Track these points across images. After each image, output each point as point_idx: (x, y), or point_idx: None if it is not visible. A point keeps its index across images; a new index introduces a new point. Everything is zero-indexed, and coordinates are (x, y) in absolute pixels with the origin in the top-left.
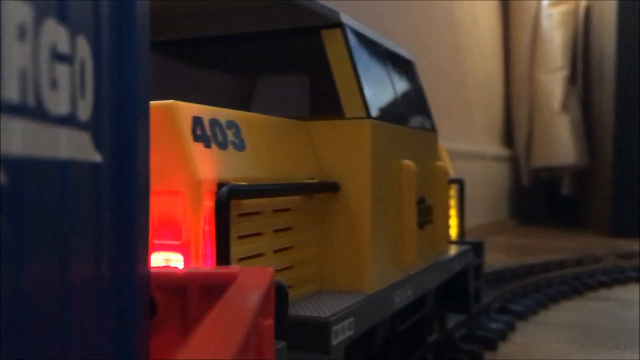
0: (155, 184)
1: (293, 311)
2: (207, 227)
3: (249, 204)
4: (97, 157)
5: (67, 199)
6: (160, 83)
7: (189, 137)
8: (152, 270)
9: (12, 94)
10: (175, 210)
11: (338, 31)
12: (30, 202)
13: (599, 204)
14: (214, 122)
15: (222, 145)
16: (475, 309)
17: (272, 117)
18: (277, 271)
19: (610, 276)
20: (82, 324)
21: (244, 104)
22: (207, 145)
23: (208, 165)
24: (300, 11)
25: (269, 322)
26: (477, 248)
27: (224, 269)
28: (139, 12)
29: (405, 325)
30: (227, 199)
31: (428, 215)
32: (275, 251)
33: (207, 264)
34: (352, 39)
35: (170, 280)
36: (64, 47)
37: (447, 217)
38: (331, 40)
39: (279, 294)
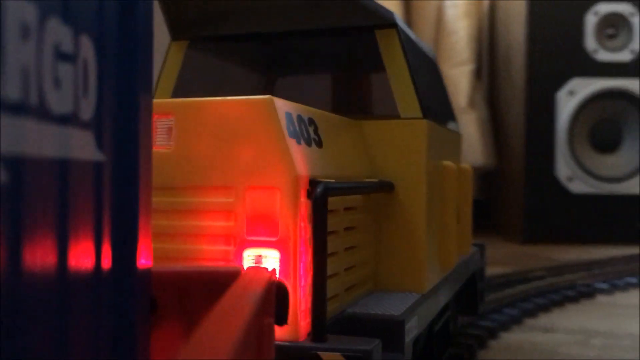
0: (249, 180)
1: (362, 310)
2: (302, 224)
3: (330, 202)
4: (99, 156)
5: (69, 197)
6: (213, 79)
7: (285, 132)
8: (154, 269)
9: (15, 92)
10: (272, 206)
11: (393, 31)
12: (32, 201)
13: (509, 209)
14: (300, 119)
15: (308, 142)
16: (481, 310)
17: (336, 116)
18: (346, 269)
19: (548, 298)
20: (83, 321)
21: (298, 102)
22: (299, 142)
23: (302, 162)
24: (355, 10)
25: (270, 321)
26: (482, 249)
27: (225, 268)
28: (142, 11)
29: (440, 324)
30: (325, 195)
31: (457, 215)
32: (345, 249)
33: (303, 261)
34: (405, 39)
35: (171, 279)
36: (67, 47)
37: (470, 218)
38: (386, 40)
39: (279, 294)
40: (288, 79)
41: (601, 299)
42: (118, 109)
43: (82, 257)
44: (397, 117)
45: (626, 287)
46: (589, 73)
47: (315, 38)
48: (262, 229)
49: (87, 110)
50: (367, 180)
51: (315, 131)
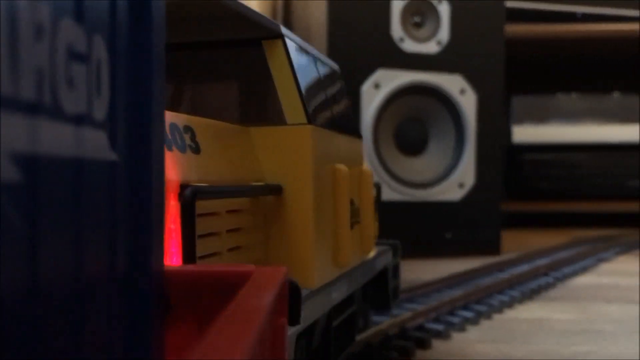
0: None
1: None
2: (172, 226)
3: (207, 204)
4: (112, 156)
5: (83, 197)
6: None
7: None
8: (167, 268)
9: (29, 92)
10: None
11: (279, 42)
12: (46, 200)
13: None
14: (174, 126)
15: (182, 149)
16: (394, 306)
17: (220, 122)
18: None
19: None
20: (97, 320)
21: (189, 111)
22: (169, 148)
23: (171, 167)
24: (243, 22)
25: (282, 321)
26: (395, 248)
27: (237, 268)
28: (155, 11)
29: (339, 320)
30: (193, 198)
31: (356, 216)
32: (229, 250)
33: (172, 262)
34: (291, 49)
35: (184, 278)
36: (80, 47)
37: (373, 218)
38: (272, 51)
39: (292, 293)
40: (184, 89)
41: None
42: (131, 108)
43: (96, 256)
44: (284, 123)
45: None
46: (396, 64)
47: (208, 49)
48: None
49: (100, 110)
50: (253, 184)
51: (193, 138)
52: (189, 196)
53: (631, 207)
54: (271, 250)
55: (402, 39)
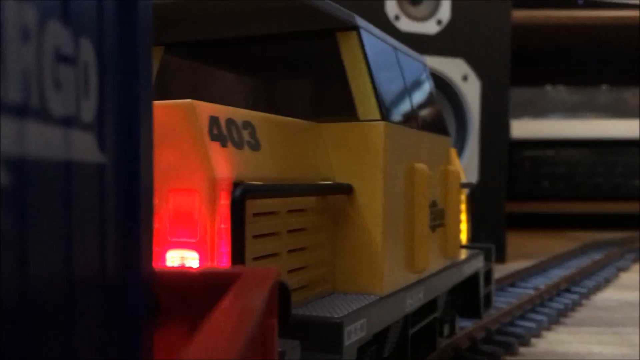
0: (172, 182)
1: (306, 311)
2: (223, 226)
3: (264, 203)
4: (100, 158)
5: (71, 200)
6: (176, 84)
7: (205, 136)
8: (156, 270)
9: (15, 95)
10: (192, 208)
11: (353, 34)
12: (34, 203)
13: None
14: (230, 122)
15: (238, 145)
16: (485, 313)
17: (286, 118)
18: (290, 271)
19: None
20: (87, 321)
21: (258, 106)
22: (224, 145)
23: (224, 164)
24: (315, 13)
25: (273, 321)
26: (488, 252)
27: (227, 269)
28: (142, 13)
29: (416, 328)
30: (242, 197)
31: (440, 218)
32: (289, 251)
33: (222, 263)
34: (367, 41)
35: (174, 280)
36: (67, 49)
37: (459, 221)
38: (346, 43)
39: (282, 294)
40: (257, 83)
41: None
42: (119, 110)
43: (84, 258)
44: (356, 119)
45: None
46: None
47: (281, 42)
48: (183, 231)
49: (88, 112)
50: (320, 182)
51: (252, 134)
52: (239, 195)
53: (628, 207)
54: (338, 252)
55: (397, 17)
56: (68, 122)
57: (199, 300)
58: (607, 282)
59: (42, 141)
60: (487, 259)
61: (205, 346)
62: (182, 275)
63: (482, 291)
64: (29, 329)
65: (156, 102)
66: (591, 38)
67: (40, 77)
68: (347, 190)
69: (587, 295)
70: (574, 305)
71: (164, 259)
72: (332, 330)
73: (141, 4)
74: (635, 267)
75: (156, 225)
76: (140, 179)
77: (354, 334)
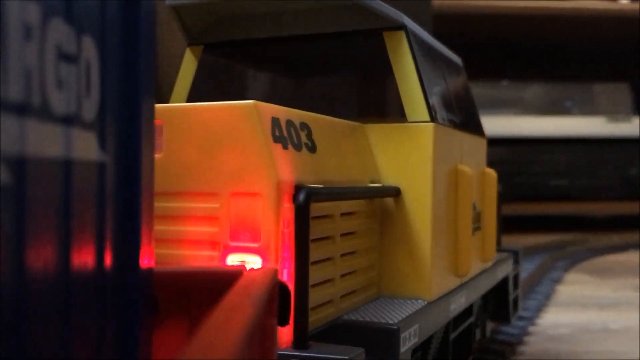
0: (233, 185)
1: (359, 317)
2: (286, 230)
3: (321, 207)
4: (101, 157)
5: (71, 198)
6: (224, 83)
7: (269, 138)
8: (156, 270)
9: (17, 93)
10: (255, 212)
11: (401, 33)
12: (35, 201)
13: None
14: (290, 123)
15: (297, 147)
16: (514, 318)
17: (337, 120)
18: (343, 275)
19: None
20: (85, 321)
21: (306, 106)
22: (285, 147)
23: (287, 167)
24: (363, 13)
25: (272, 322)
26: (516, 255)
27: (227, 269)
28: (145, 11)
29: (456, 333)
30: (307, 201)
31: (478, 221)
32: (342, 255)
33: (285, 268)
34: (413, 41)
35: (174, 279)
36: (69, 47)
37: (495, 223)
38: (394, 43)
39: (282, 294)
40: (300, 83)
41: None
42: (121, 109)
43: (84, 257)
44: (405, 120)
45: None
46: None
47: (326, 41)
48: (245, 235)
49: (89, 111)
50: (370, 185)
51: (309, 136)
52: (304, 198)
53: (545, 208)
54: (386, 256)
55: None
56: (69, 120)
57: (198, 300)
58: (547, 299)
59: (43, 139)
60: (515, 262)
61: (204, 346)
62: (181, 275)
63: (512, 295)
64: (26, 327)
65: (216, 103)
66: (522, 31)
67: (42, 75)
68: (396, 193)
69: (533, 320)
70: (523, 336)
71: (224, 264)
72: (389, 337)
73: (144, 3)
74: (570, 277)
75: (215, 229)
76: (141, 177)
77: (409, 340)
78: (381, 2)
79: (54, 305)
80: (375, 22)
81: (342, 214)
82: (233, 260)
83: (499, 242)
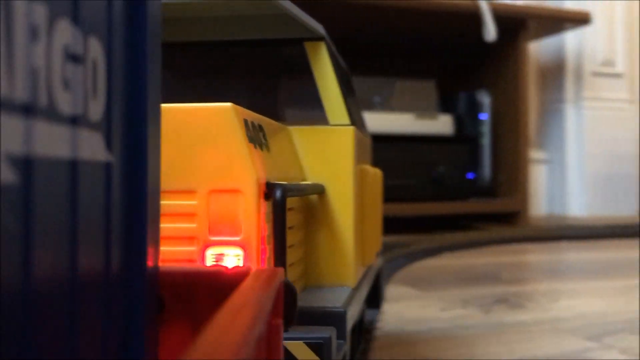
0: (213, 183)
1: (305, 303)
2: (262, 223)
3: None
4: (108, 157)
5: (78, 198)
6: (164, 85)
7: (246, 138)
8: (162, 269)
9: (24, 93)
10: (235, 207)
11: (322, 44)
12: (41, 201)
13: None
14: (253, 125)
15: (262, 147)
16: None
17: (275, 122)
18: (288, 266)
19: None
20: (91, 321)
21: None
22: (255, 147)
23: (261, 166)
24: (287, 23)
25: (278, 321)
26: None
27: (233, 269)
28: (151, 12)
29: (359, 317)
30: (284, 197)
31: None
32: (288, 247)
33: (263, 258)
34: (331, 51)
35: (179, 279)
36: (76, 48)
37: (381, 218)
38: (315, 53)
39: (287, 294)
40: (224, 87)
41: None
42: (127, 109)
43: (90, 257)
44: (326, 124)
45: None
46: None
47: (249, 48)
48: (225, 230)
49: (96, 111)
50: (303, 183)
51: (264, 136)
52: (281, 195)
53: None
54: (311, 248)
55: None
56: (76, 121)
57: (204, 300)
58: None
59: (49, 140)
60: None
61: (210, 346)
62: (187, 275)
63: (381, 283)
64: (33, 327)
65: (194, 105)
66: (330, 22)
67: (48, 76)
68: (322, 190)
69: None
70: None
71: (202, 257)
72: (337, 318)
73: (150, 3)
74: (393, 291)
75: (193, 225)
76: (147, 178)
77: (351, 321)
78: (304, 13)
79: (60, 305)
80: (298, 32)
81: (288, 210)
82: (212, 253)
83: None
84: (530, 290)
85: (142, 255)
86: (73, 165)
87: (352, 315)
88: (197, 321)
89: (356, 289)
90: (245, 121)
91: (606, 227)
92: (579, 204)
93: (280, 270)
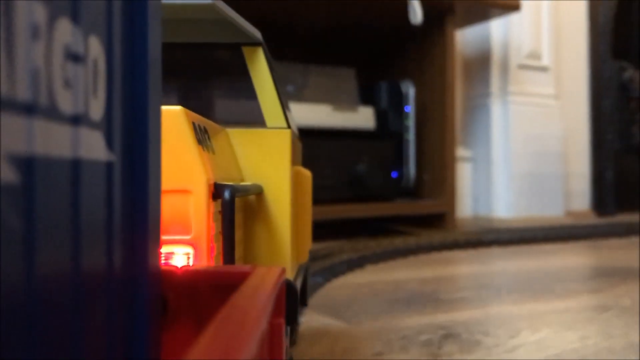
0: (164, 184)
1: None
2: (210, 223)
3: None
4: (109, 156)
5: (79, 197)
6: None
7: (195, 140)
8: (164, 269)
9: (25, 93)
10: (185, 207)
11: (259, 49)
12: (42, 201)
13: None
14: (200, 127)
15: (208, 149)
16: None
17: (216, 124)
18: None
19: None
20: (95, 321)
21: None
22: (204, 149)
23: (209, 167)
24: (225, 27)
25: (280, 321)
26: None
27: (235, 268)
28: (151, 11)
29: None
30: (233, 197)
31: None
32: None
33: (212, 256)
34: (267, 55)
35: (181, 279)
36: (77, 47)
37: (311, 218)
38: (253, 57)
39: (288, 293)
40: (172, 89)
41: None
42: (128, 109)
43: (92, 256)
44: (264, 126)
45: None
46: None
47: (188, 51)
48: (176, 229)
49: (97, 111)
50: (244, 184)
51: (209, 138)
52: (230, 195)
53: None
54: (250, 247)
55: None
56: (77, 120)
57: (206, 300)
58: None
59: (50, 139)
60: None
61: (212, 346)
62: (189, 274)
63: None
64: (35, 327)
65: None
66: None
67: (49, 76)
68: (260, 191)
69: None
70: None
71: None
72: None
73: (150, 3)
74: (309, 325)
75: None
76: (149, 177)
77: None
78: (242, 18)
79: (62, 304)
80: (235, 37)
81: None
82: (162, 251)
83: None
84: (481, 317)
85: (144, 254)
86: (74, 165)
87: None
88: (200, 321)
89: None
90: (194, 124)
91: (538, 230)
92: (505, 204)
93: (283, 269)
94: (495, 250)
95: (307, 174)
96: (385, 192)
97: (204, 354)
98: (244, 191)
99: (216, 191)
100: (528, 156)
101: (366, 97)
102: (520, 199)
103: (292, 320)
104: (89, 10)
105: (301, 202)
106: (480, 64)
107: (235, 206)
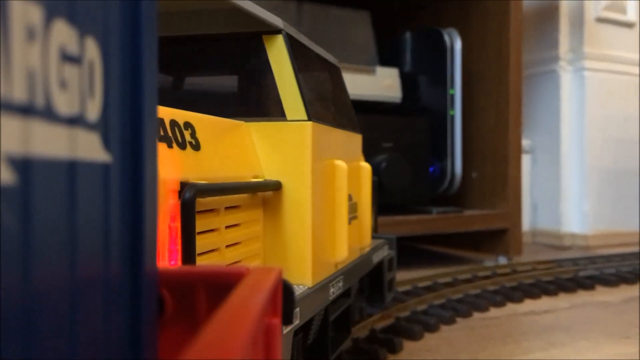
0: None
1: None
2: (172, 224)
3: (206, 202)
4: (105, 157)
5: (76, 199)
6: None
7: None
8: (160, 269)
9: (21, 94)
10: None
11: (280, 37)
12: (39, 202)
13: None
14: (174, 123)
15: (182, 146)
16: (390, 298)
17: (220, 118)
18: (228, 265)
19: None
20: (91, 322)
21: (191, 106)
22: (169, 146)
23: (171, 165)
24: (243, 17)
25: (276, 321)
26: (391, 242)
27: (231, 268)
28: (148, 12)
29: (335, 315)
30: (193, 198)
31: (354, 211)
32: (227, 246)
33: (172, 260)
34: (291, 44)
35: (178, 279)
36: (73, 48)
37: (370, 213)
38: (273, 46)
39: (285, 293)
40: (184, 83)
41: None
42: (124, 109)
43: (89, 257)
44: (284, 119)
45: None
46: None
47: (208, 43)
48: None
49: (93, 112)
50: (252, 180)
51: (193, 135)
52: (190, 195)
53: None
54: (269, 245)
55: None
56: (73, 121)
57: (203, 300)
58: None
59: (47, 140)
60: (390, 247)
61: (208, 346)
62: (186, 275)
63: (386, 277)
64: (32, 328)
65: None
66: None
67: (45, 77)
68: (277, 186)
69: None
70: None
71: None
72: None
73: (147, 3)
74: None
75: None
76: (145, 177)
77: (297, 322)
78: (261, 8)
79: (59, 306)
80: (255, 26)
81: (227, 208)
82: None
83: (375, 230)
84: None
85: (141, 255)
86: (71, 166)
87: (296, 315)
88: (196, 321)
89: (315, 288)
90: (161, 120)
91: None
92: (579, 214)
93: (279, 269)
94: (608, 295)
95: (359, 167)
96: (417, 197)
97: (199, 354)
98: (218, 191)
99: (181, 190)
100: (611, 146)
101: (388, 53)
102: (602, 206)
103: (288, 320)
104: (85, 11)
105: (336, 197)
106: (543, 16)
107: (213, 206)
